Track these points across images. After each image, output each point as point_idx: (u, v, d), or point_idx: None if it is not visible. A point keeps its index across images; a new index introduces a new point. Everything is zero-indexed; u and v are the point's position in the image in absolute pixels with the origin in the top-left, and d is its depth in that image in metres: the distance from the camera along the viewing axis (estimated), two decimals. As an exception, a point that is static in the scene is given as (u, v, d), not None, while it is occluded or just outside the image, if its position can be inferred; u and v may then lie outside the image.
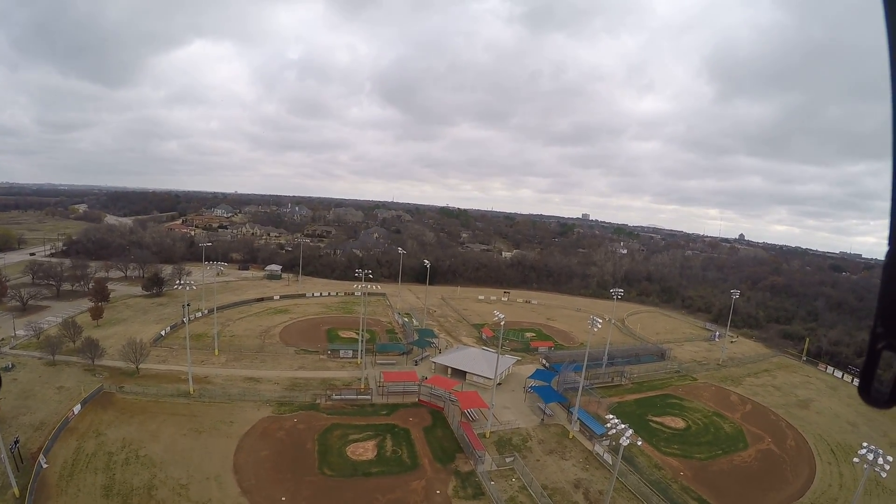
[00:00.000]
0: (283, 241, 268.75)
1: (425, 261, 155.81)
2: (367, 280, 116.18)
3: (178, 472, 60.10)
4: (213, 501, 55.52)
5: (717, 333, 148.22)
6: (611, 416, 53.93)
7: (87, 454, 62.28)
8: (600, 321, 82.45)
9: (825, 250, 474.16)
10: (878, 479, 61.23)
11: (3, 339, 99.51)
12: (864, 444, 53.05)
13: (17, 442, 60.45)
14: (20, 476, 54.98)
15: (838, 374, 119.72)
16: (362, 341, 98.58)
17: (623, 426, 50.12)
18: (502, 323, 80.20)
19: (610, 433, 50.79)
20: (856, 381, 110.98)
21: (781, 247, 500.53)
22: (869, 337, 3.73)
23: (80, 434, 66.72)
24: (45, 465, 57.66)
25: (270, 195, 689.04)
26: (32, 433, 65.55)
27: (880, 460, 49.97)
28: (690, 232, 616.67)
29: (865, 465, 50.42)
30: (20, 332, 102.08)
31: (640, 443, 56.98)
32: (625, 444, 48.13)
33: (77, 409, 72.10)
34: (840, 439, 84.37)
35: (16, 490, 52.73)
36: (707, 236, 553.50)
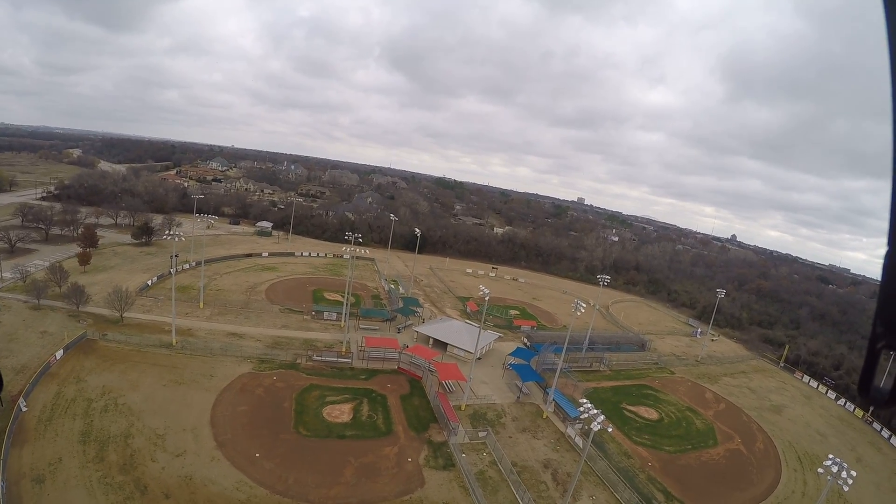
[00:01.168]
0: (275, 199, 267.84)
1: (416, 229, 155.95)
2: (357, 244, 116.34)
3: (155, 422, 60.77)
4: (189, 453, 56.31)
5: (699, 330, 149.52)
6: (584, 401, 54.51)
7: (67, 399, 62.78)
8: (584, 306, 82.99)
9: (815, 261, 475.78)
10: (841, 491, 62.81)
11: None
12: (831, 456, 53.94)
13: (-2, 384, 60.51)
14: None
15: (814, 383, 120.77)
16: (346, 305, 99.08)
17: (595, 411, 50.61)
18: (487, 299, 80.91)
19: (582, 417, 51.40)
20: (830, 394, 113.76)
21: (772, 252, 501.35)
22: (869, 336, 3.80)
23: (60, 379, 67.14)
24: (24, 409, 58.05)
25: (267, 152, 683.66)
26: (14, 376, 65.58)
27: (844, 473, 50.72)
28: (683, 227, 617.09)
29: (829, 477, 51.17)
30: (6, 275, 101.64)
31: (610, 429, 57.74)
32: (595, 429, 48.74)
33: (59, 354, 72.45)
34: (808, 448, 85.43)
35: None
36: (699, 233, 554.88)
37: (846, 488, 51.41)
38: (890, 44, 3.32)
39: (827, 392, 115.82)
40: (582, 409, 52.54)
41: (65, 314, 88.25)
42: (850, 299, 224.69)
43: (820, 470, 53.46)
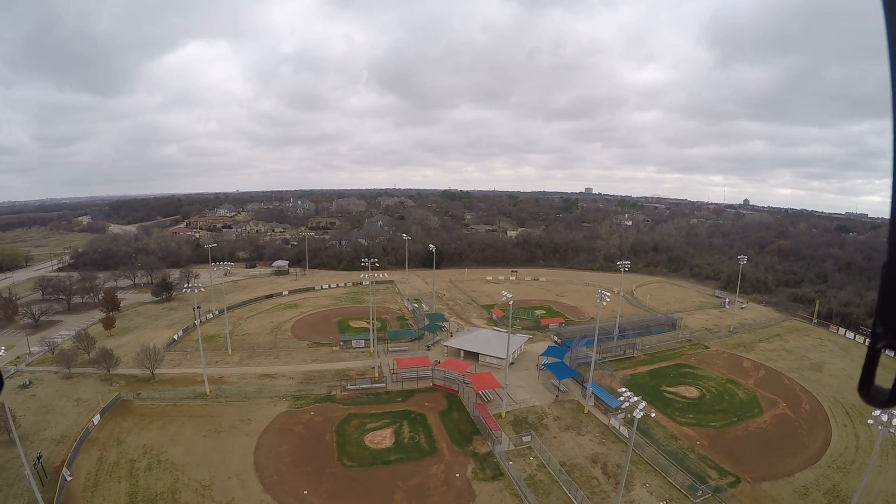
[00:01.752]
0: (287, 236, 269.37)
1: (430, 245, 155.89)
2: (374, 269, 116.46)
3: (200, 473, 60.96)
4: (237, 500, 56.35)
5: (727, 300, 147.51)
6: (623, 389, 53.86)
7: (110, 463, 63.21)
8: (608, 295, 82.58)
9: (831, 211, 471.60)
10: (894, 439, 61.42)
11: (18, 357, 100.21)
12: None
13: (39, 457, 61.18)
14: (45, 491, 55.63)
15: (850, 335, 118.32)
16: (373, 330, 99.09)
17: (636, 399, 49.88)
18: (510, 302, 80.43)
19: (624, 406, 50.62)
20: (868, 342, 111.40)
21: (787, 210, 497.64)
22: (869, 337, 3.74)
23: (101, 444, 67.65)
24: (69, 478, 58.47)
25: (272, 191, 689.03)
26: (55, 447, 66.48)
27: (895, 421, 49.45)
28: (695, 200, 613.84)
29: (880, 427, 49.83)
30: (34, 349, 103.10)
31: (653, 414, 57.07)
32: (638, 416, 47.94)
33: (97, 419, 73.01)
34: (854, 401, 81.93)
35: None
36: (711, 203, 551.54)
37: None
38: (890, 44, 3.18)
39: (865, 341, 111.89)
40: (622, 398, 51.81)
41: (97, 379, 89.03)
42: (872, 244, 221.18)
43: (869, 421, 52.47)
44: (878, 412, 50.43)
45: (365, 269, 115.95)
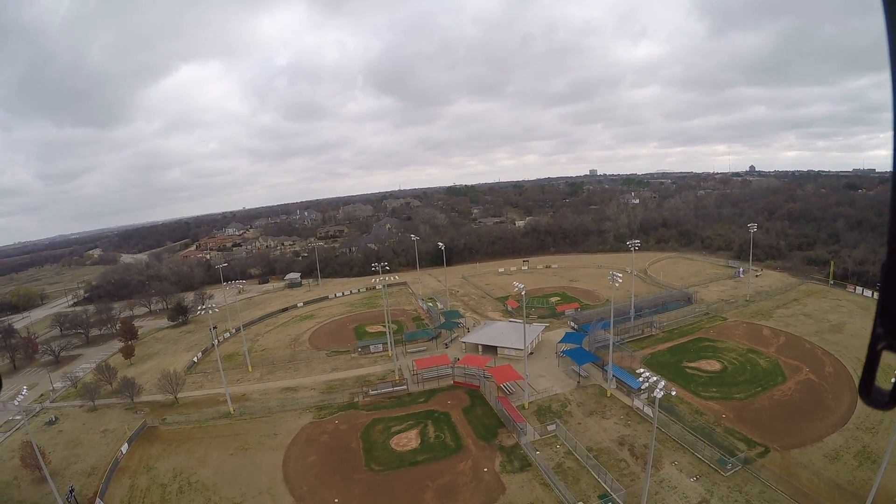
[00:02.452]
0: (297, 249, 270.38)
1: (439, 243, 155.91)
2: (384, 272, 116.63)
3: (231, 491, 61.46)
4: (270, 514, 56.69)
5: (741, 269, 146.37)
6: (641, 370, 53.36)
7: (142, 490, 63.94)
8: (620, 276, 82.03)
9: (838, 170, 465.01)
10: None
11: (42, 395, 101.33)
12: None
13: (72, 491, 62.13)
14: (81, 523, 56.41)
15: (868, 293, 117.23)
16: (390, 333, 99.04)
17: (655, 378, 49.41)
18: (523, 292, 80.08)
19: (644, 387, 50.26)
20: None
21: (793, 172, 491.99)
22: (869, 337, 3.71)
23: (131, 472, 68.42)
24: (103, 508, 59.08)
25: (278, 205, 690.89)
26: (86, 479, 67.30)
27: None
28: (700, 172, 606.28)
29: None
30: (57, 385, 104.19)
31: (673, 392, 56.57)
32: (659, 395, 47.59)
33: (125, 448, 73.71)
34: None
35: None
36: (717, 173, 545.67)
37: None
38: (890, 43, 3.22)
39: None
40: (640, 378, 51.46)
41: (121, 409, 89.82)
42: (882, 199, 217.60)
43: (893, 379, 51.40)
44: None
45: (376, 273, 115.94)
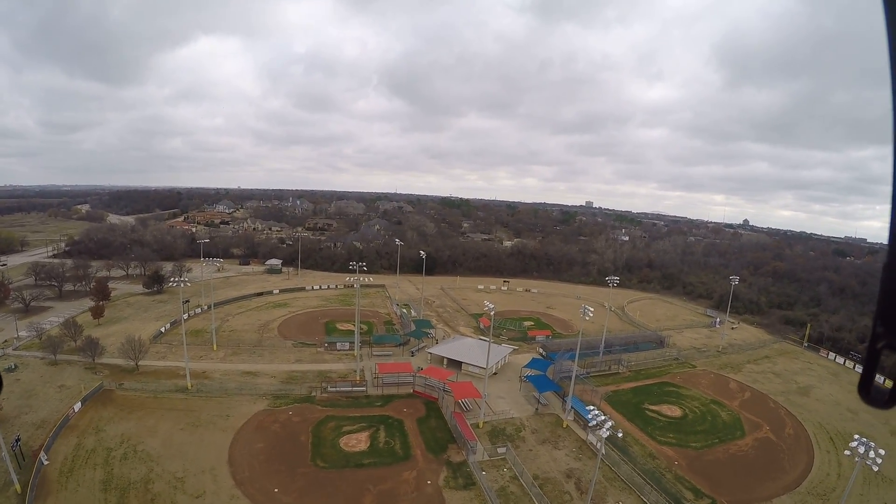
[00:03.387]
0: (283, 236, 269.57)
1: (421, 252, 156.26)
2: (362, 272, 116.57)
3: (174, 465, 61.33)
4: (208, 494, 56.67)
5: (718, 320, 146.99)
6: (591, 407, 53.91)
7: (87, 450, 63.68)
8: (591, 309, 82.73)
9: (830, 235, 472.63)
10: (878, 467, 61.00)
11: (6, 341, 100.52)
12: (856, 437, 51.90)
13: (18, 440, 61.72)
14: (22, 473, 56.49)
15: (840, 360, 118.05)
16: (357, 333, 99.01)
17: (603, 417, 49.92)
18: (492, 313, 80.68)
19: (590, 425, 50.60)
20: (858, 368, 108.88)
21: (786, 231, 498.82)
22: (869, 337, 3.72)
23: (80, 431, 68.09)
24: (45, 462, 59.05)
25: (273, 190, 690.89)
26: (34, 431, 66.93)
27: (872, 453, 49.02)
28: (694, 218, 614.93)
29: (857, 458, 49.41)
30: (23, 333, 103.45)
31: (620, 434, 56.97)
32: (605, 435, 48.11)
33: (77, 406, 73.45)
34: (840, 427, 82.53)
35: (17, 486, 54.35)
36: (711, 222, 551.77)
37: (875, 468, 49.45)
38: (890, 43, 3.28)
39: (854, 367, 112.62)
40: (590, 416, 51.48)
41: (81, 367, 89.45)
42: (868, 269, 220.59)
43: (847, 452, 51.76)
44: (854, 443, 50.08)
45: (353, 272, 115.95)
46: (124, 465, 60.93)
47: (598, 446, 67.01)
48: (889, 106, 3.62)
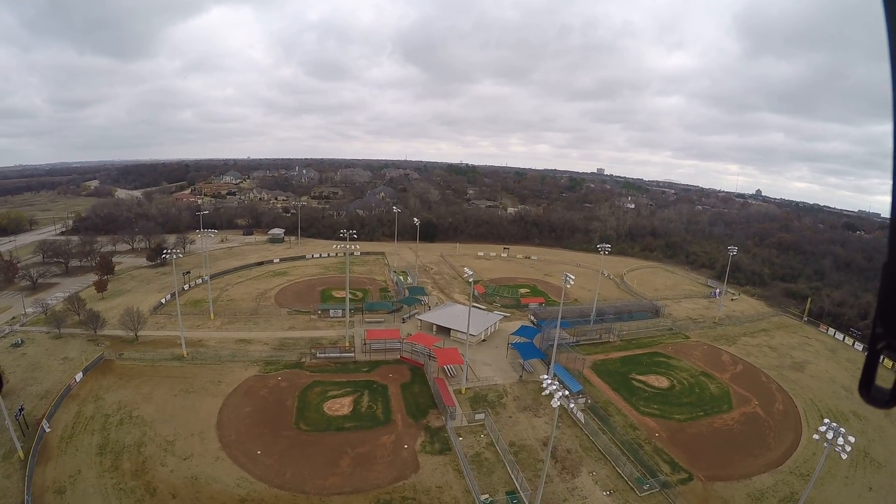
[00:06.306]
0: (287, 205, 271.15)
1: (415, 219, 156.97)
2: (352, 240, 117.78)
3: (166, 429, 64.69)
4: (195, 455, 59.92)
5: (718, 290, 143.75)
6: (545, 376, 52.91)
7: (86, 417, 67.22)
8: (573, 277, 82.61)
9: (844, 208, 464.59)
10: (867, 450, 60.46)
11: (13, 318, 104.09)
12: (826, 421, 49.82)
13: (21, 409, 64.96)
14: (25, 441, 60.33)
15: (839, 336, 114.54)
16: (347, 300, 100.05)
17: (555, 386, 48.68)
18: (471, 281, 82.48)
19: (544, 394, 49.19)
20: (857, 345, 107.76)
21: (798, 203, 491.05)
22: (869, 337, 3.82)
23: (80, 399, 71.63)
24: (47, 430, 62.59)
25: (282, 159, 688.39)
26: (38, 401, 70.53)
27: (840, 440, 46.75)
28: (706, 187, 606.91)
29: (825, 444, 47.39)
30: (29, 310, 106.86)
31: (572, 405, 56.98)
32: (556, 405, 47.28)
33: (79, 376, 76.89)
34: (832, 405, 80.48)
35: (20, 453, 58.24)
36: (722, 191, 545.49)
37: (843, 455, 46.33)
38: (890, 43, 3.33)
39: (854, 344, 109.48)
40: (544, 384, 49.96)
41: (84, 339, 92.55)
42: (876, 244, 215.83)
43: (815, 436, 49.59)
44: (824, 427, 48.21)
45: (348, 239, 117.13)
46: (120, 430, 64.35)
47: (585, 415, 68.77)
48: (889, 106, 3.76)
